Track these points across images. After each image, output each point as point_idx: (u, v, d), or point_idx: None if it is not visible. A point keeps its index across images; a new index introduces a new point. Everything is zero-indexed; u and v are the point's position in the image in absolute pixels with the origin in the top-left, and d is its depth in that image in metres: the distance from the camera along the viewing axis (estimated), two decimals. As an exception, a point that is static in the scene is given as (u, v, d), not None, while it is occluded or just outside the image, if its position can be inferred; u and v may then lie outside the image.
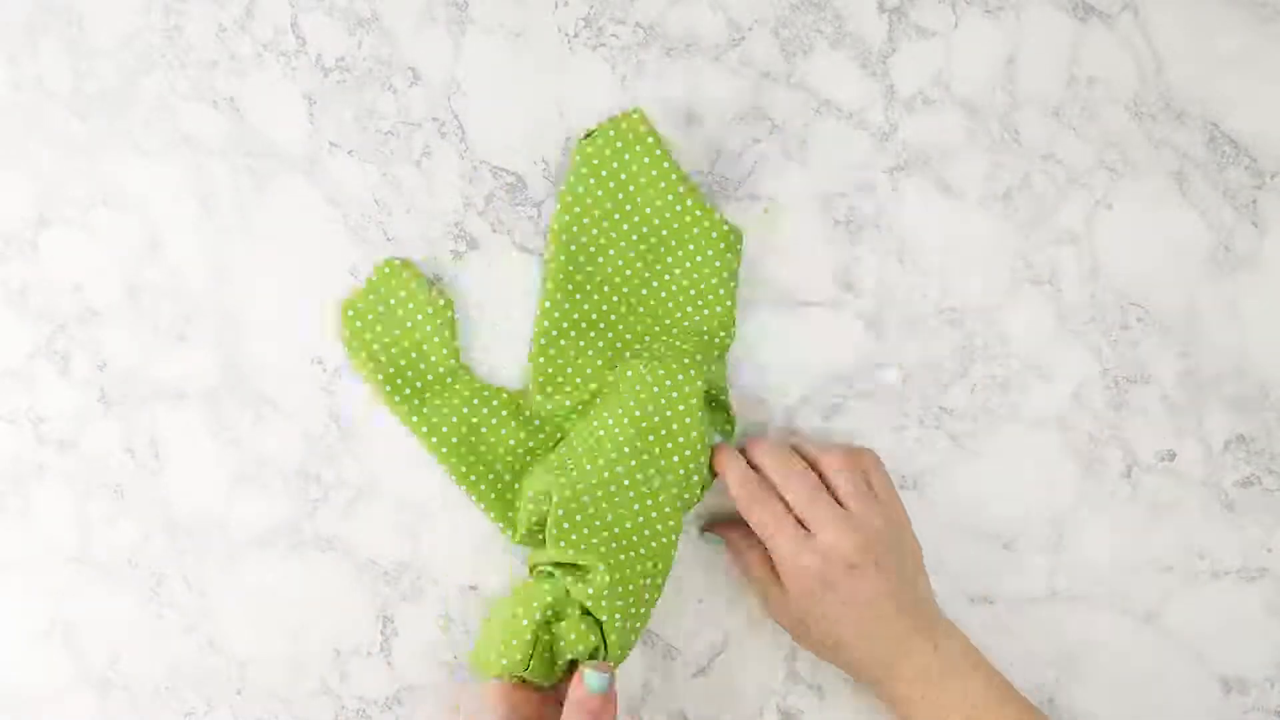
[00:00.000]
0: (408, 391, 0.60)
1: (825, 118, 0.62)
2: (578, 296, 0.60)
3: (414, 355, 0.60)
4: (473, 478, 0.60)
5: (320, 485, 0.62)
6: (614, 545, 0.55)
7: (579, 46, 0.62)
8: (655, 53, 0.62)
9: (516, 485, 0.60)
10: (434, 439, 0.60)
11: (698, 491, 0.59)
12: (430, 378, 0.60)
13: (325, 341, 0.62)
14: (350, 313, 0.61)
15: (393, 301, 0.60)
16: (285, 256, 0.62)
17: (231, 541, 0.62)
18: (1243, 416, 0.63)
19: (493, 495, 0.60)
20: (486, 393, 0.61)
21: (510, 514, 0.60)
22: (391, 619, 0.62)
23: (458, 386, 0.60)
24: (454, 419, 0.60)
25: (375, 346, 0.60)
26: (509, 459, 0.60)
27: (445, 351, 0.60)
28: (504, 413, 0.60)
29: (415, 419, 0.60)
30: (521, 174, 0.62)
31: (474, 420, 0.60)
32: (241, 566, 0.62)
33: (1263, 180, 0.62)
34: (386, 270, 0.60)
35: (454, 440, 0.60)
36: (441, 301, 0.60)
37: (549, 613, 0.53)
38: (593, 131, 0.60)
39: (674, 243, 0.61)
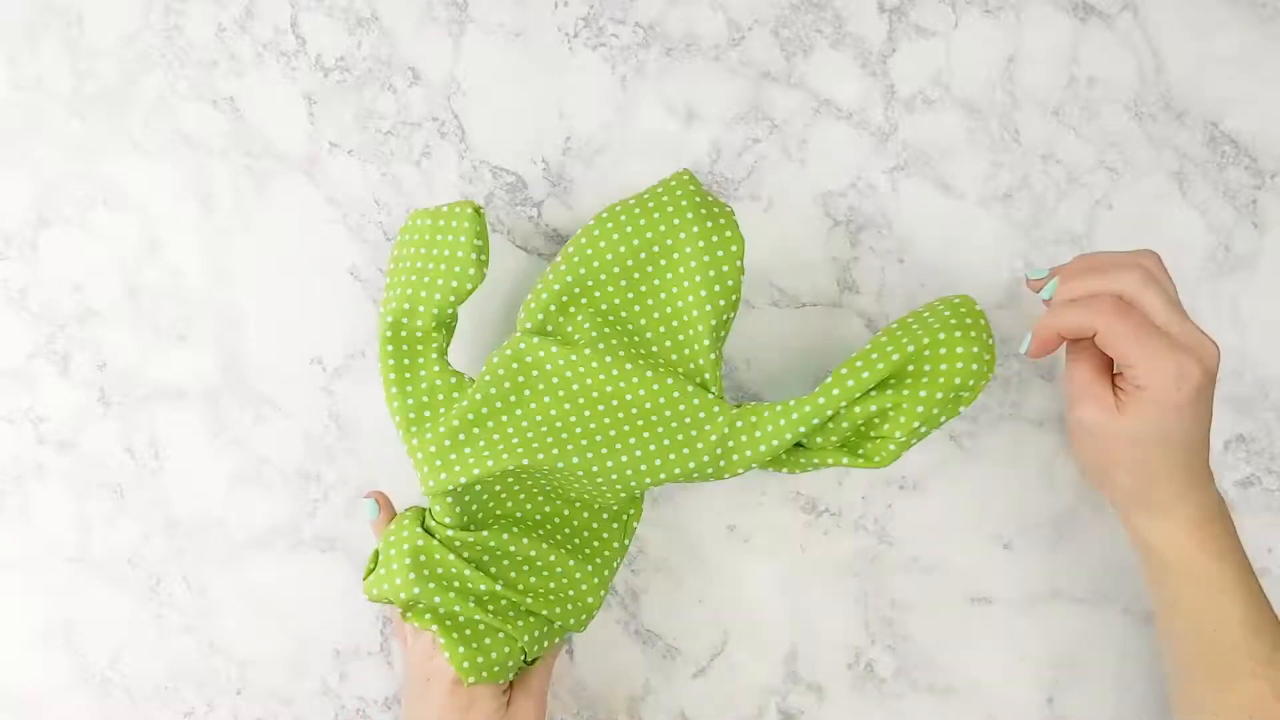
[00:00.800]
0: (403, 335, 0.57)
1: (825, 117, 0.62)
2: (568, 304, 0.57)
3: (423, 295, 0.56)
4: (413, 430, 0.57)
5: (320, 485, 0.62)
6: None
7: (579, 46, 0.62)
8: (655, 53, 0.62)
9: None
10: (395, 392, 0.57)
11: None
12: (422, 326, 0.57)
13: (325, 341, 0.62)
14: (409, 225, 0.58)
15: (440, 237, 0.56)
16: (285, 256, 0.62)
17: (231, 541, 0.62)
18: (1243, 416, 0.63)
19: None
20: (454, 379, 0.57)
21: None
22: (391, 619, 0.62)
23: (434, 346, 0.57)
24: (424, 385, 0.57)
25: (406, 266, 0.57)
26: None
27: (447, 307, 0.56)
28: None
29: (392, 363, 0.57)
30: (521, 174, 0.62)
31: (439, 395, 0.57)
32: (241, 567, 0.62)
33: (1263, 180, 0.62)
34: (459, 209, 0.56)
35: (411, 403, 0.57)
36: (472, 270, 0.55)
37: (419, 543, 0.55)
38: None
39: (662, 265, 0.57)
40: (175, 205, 0.62)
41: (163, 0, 0.61)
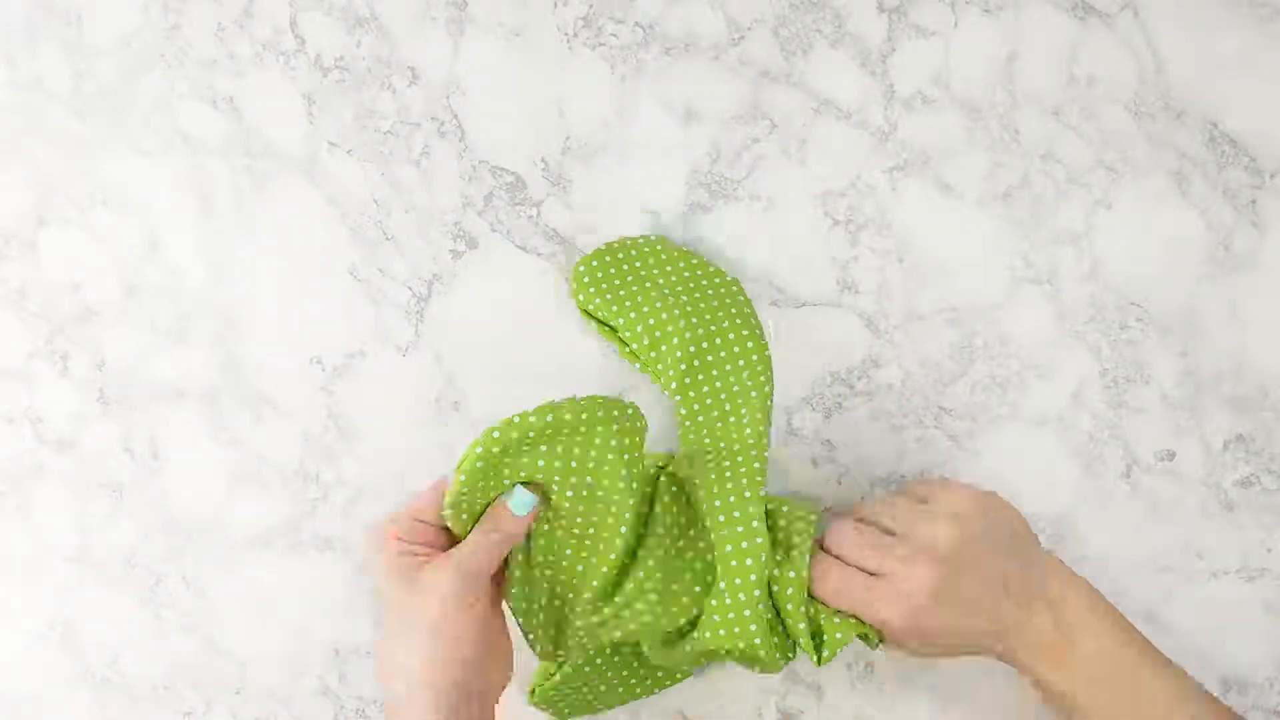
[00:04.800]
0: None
1: (825, 117, 0.62)
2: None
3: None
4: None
5: (319, 485, 0.62)
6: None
7: (578, 46, 0.62)
8: (655, 52, 0.62)
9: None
10: None
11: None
12: None
13: (325, 341, 0.62)
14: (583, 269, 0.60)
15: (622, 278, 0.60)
16: (285, 256, 0.62)
17: (230, 541, 0.62)
18: (1242, 416, 0.63)
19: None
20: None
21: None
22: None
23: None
24: None
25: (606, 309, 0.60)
26: None
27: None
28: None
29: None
30: (521, 174, 0.62)
31: None
32: (241, 566, 0.62)
33: (1263, 180, 0.62)
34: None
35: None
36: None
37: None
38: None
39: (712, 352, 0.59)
40: (175, 205, 0.62)
41: (162, 0, 0.61)
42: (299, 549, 0.62)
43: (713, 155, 0.62)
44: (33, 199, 0.61)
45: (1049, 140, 0.62)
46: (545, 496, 0.53)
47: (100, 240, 0.61)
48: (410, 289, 0.62)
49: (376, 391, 0.62)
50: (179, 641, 0.62)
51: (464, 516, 0.51)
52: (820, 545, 0.56)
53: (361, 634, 0.62)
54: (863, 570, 0.54)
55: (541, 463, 0.51)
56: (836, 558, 0.55)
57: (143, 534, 0.62)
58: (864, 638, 0.54)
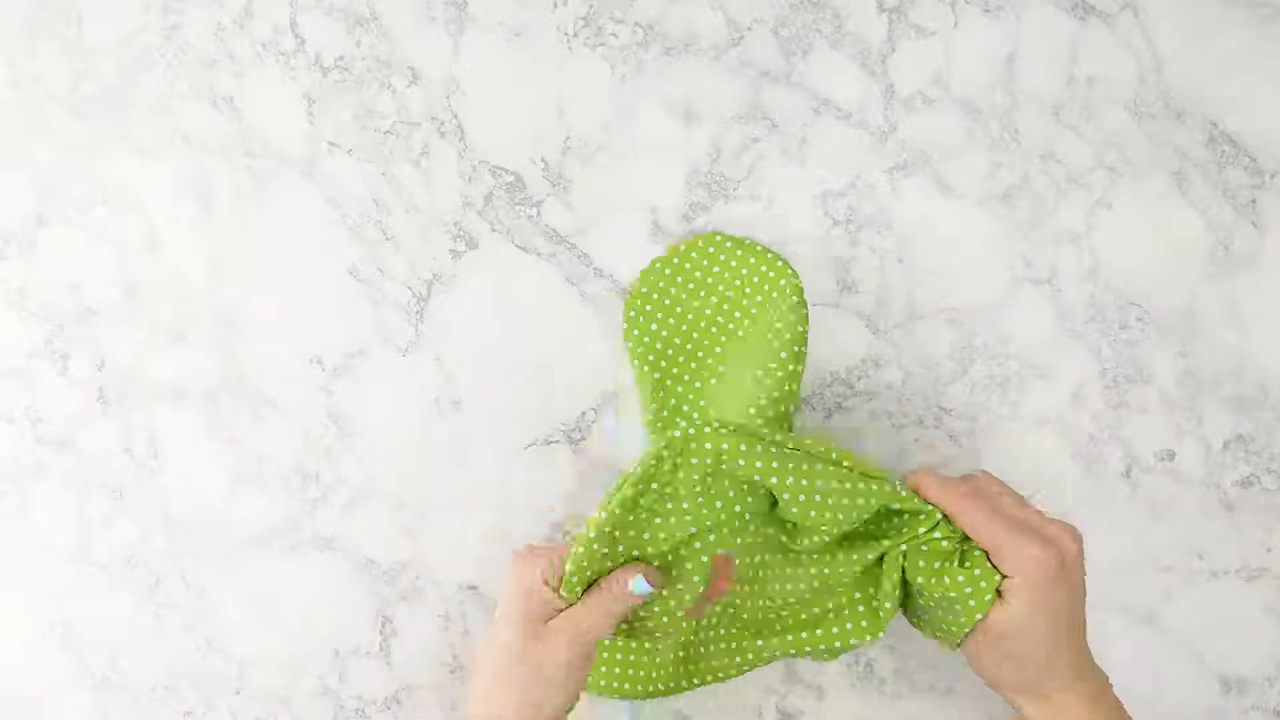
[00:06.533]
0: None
1: (825, 117, 0.62)
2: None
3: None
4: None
5: (319, 485, 0.62)
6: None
7: (578, 46, 0.62)
8: (655, 52, 0.62)
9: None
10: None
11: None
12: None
13: (324, 341, 0.62)
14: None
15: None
16: (285, 256, 0.62)
17: (230, 541, 0.62)
18: (1242, 416, 0.63)
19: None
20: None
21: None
22: (390, 619, 0.62)
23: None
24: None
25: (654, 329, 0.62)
26: None
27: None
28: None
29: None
30: (521, 174, 0.62)
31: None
32: (240, 566, 0.62)
33: (1263, 180, 0.62)
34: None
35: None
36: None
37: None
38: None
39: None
40: (174, 205, 0.62)
41: (162, 0, 0.61)
42: (299, 549, 0.62)
43: (713, 155, 0.62)
44: (33, 199, 0.61)
45: (1049, 140, 0.62)
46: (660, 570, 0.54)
47: (100, 240, 0.61)
48: (410, 289, 0.62)
49: (376, 391, 0.62)
50: (179, 641, 0.62)
51: (575, 581, 0.53)
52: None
53: (361, 634, 0.62)
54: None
55: (646, 535, 0.53)
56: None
57: (143, 534, 0.62)
58: (946, 632, 0.54)
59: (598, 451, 0.62)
